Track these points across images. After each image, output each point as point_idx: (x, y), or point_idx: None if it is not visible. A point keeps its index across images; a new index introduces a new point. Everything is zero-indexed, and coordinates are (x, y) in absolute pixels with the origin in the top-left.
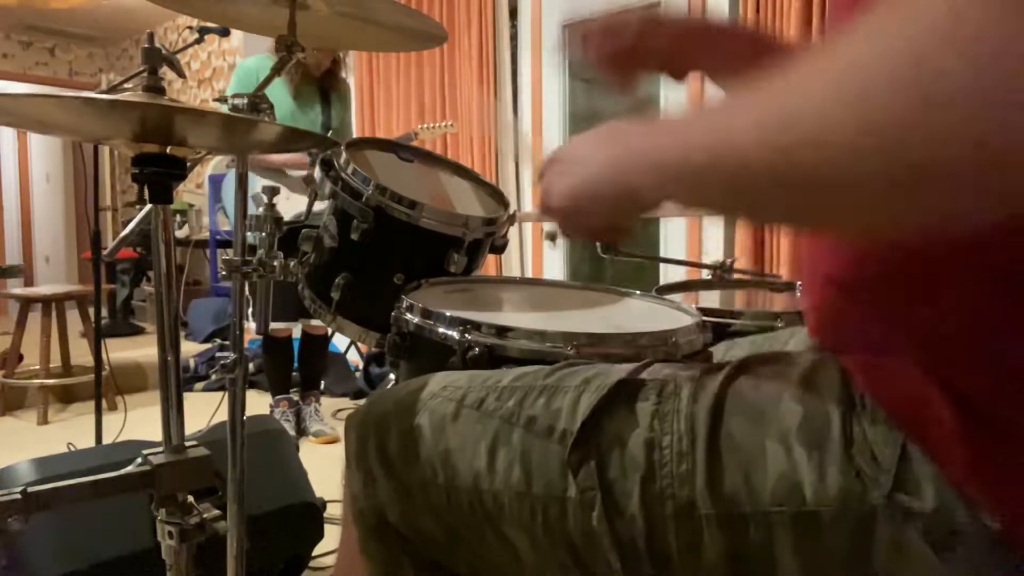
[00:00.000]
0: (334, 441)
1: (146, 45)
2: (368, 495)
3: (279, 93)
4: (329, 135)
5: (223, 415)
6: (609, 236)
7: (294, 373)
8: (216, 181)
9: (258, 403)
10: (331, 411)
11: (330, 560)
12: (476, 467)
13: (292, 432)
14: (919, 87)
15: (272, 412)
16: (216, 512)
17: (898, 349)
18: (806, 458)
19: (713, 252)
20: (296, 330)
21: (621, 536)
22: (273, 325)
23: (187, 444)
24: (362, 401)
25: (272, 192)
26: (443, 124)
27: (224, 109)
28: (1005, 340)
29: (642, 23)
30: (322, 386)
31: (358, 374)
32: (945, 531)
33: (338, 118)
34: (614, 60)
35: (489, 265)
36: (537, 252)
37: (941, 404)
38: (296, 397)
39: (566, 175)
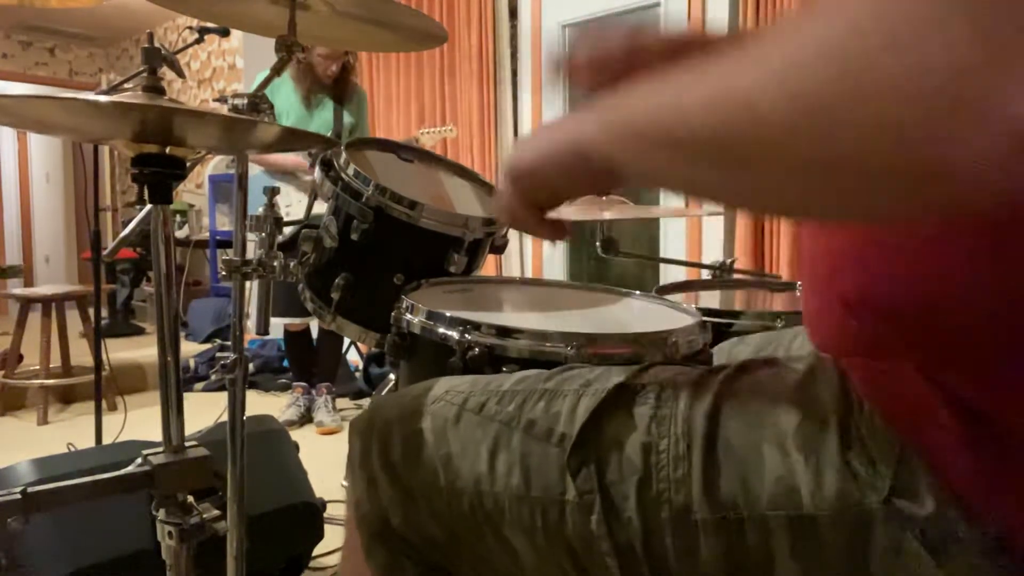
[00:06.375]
0: (334, 432)
1: (146, 45)
2: (371, 500)
3: (290, 99)
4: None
5: (224, 416)
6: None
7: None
8: (216, 181)
9: (258, 403)
10: None
11: (330, 560)
12: (477, 470)
13: (297, 417)
14: (849, 76)
15: (291, 394)
16: (216, 512)
17: (899, 355)
18: (803, 462)
19: (713, 252)
20: (314, 326)
21: (619, 539)
22: (293, 321)
23: (187, 444)
24: (362, 401)
25: (272, 192)
26: (443, 128)
27: (224, 109)
28: (1009, 348)
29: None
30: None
31: (358, 374)
32: (943, 537)
33: (350, 124)
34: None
35: (489, 265)
36: (537, 252)
37: (942, 411)
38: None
39: (523, 147)
